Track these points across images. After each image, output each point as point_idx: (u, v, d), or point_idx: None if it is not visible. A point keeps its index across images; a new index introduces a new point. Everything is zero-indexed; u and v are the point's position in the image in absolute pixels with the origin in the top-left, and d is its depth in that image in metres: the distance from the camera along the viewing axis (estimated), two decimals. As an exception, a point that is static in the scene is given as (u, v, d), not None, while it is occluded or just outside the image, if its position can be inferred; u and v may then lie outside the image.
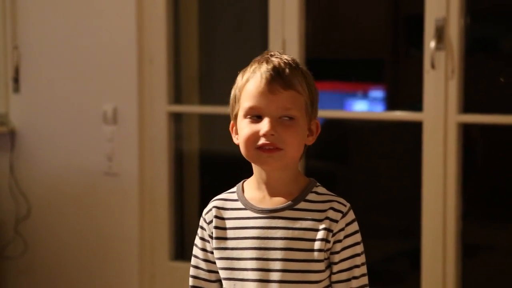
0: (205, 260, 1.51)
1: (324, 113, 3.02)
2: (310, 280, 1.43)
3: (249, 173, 1.54)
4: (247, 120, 1.45)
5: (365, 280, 1.47)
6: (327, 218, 1.43)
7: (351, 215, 1.45)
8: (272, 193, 1.47)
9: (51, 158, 3.40)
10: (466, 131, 2.70)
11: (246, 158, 1.47)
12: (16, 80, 3.46)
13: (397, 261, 3.21)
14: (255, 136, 1.43)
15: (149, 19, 3.18)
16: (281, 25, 2.92)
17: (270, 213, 1.45)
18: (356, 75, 3.43)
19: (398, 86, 3.27)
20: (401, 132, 3.13)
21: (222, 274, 1.48)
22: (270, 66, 1.45)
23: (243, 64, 1.53)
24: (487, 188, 3.07)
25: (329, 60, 3.41)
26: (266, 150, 1.43)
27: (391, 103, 3.23)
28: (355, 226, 1.45)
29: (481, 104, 2.81)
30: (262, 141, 1.42)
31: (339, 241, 1.43)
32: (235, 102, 1.49)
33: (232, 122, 1.51)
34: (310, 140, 1.50)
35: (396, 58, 3.30)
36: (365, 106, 3.36)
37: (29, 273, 3.50)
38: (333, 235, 1.43)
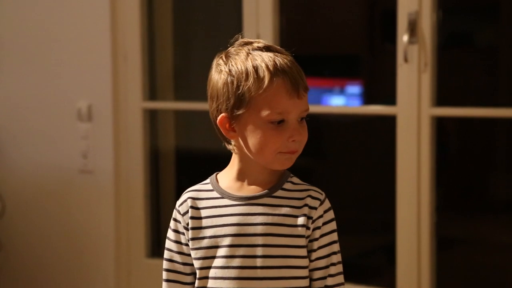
0: (180, 253, 1.50)
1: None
2: (292, 265, 1.44)
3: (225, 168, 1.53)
4: (269, 127, 1.42)
5: (341, 268, 1.49)
6: (306, 205, 1.45)
7: (327, 203, 1.48)
8: (251, 182, 1.48)
9: (26, 156, 3.37)
10: (440, 124, 2.72)
11: (256, 159, 1.45)
12: (-11, 77, 3.43)
13: (373, 255, 3.23)
14: (280, 142, 1.42)
15: (123, 15, 3.16)
16: (255, 20, 2.92)
17: (249, 200, 1.46)
18: (333, 70, 3.44)
19: (375, 81, 3.28)
20: (376, 127, 3.15)
21: (200, 264, 1.47)
22: (294, 71, 1.43)
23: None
24: (461, 181, 3.09)
25: (305, 55, 3.41)
26: (287, 152, 1.43)
27: (368, 98, 3.25)
28: (331, 214, 1.48)
29: (454, 97, 2.83)
30: (290, 147, 1.42)
31: (318, 227, 1.45)
32: (241, 101, 1.43)
33: (224, 115, 1.46)
34: None
35: (372, 53, 3.32)
36: (342, 102, 3.37)
37: (4, 272, 3.47)
38: (313, 222, 1.45)
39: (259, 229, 1.44)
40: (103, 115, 3.20)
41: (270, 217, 1.44)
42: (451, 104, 2.67)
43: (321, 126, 3.34)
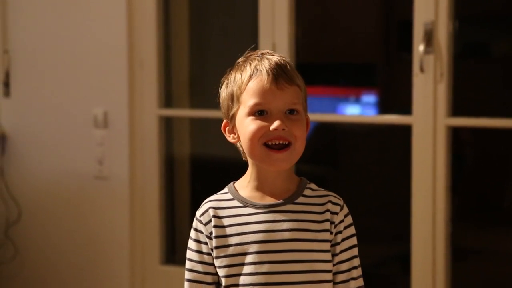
0: (201, 262, 1.51)
1: (314, 116, 3.03)
2: (318, 269, 1.47)
3: (239, 176, 1.54)
4: (251, 117, 1.47)
5: (361, 271, 1.53)
6: (327, 210, 1.49)
7: (346, 208, 1.52)
8: (270, 191, 1.50)
9: (42, 162, 3.39)
10: (456, 134, 2.71)
11: (250, 156, 1.49)
12: (6, 84, 3.46)
13: (388, 265, 3.21)
14: (262, 131, 1.46)
15: (139, 23, 3.18)
16: (271, 29, 2.92)
17: (272, 208, 1.48)
18: (348, 79, 3.44)
19: (390, 91, 3.28)
20: (391, 136, 3.14)
21: (226, 272, 1.48)
22: (273, 63, 1.48)
23: (234, 68, 1.54)
24: (476, 191, 3.08)
25: (321, 64, 3.41)
26: (275, 150, 1.46)
27: (383, 108, 3.24)
28: (350, 219, 1.52)
29: (470, 107, 2.82)
30: (272, 135, 1.45)
31: (340, 232, 1.49)
32: (233, 101, 1.51)
33: (225, 121, 1.53)
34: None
35: (388, 62, 3.31)
36: (357, 111, 3.36)
37: (19, 278, 3.49)
38: (335, 226, 1.49)
39: (286, 235, 1.47)
40: (119, 122, 3.21)
41: (295, 223, 1.47)
42: (467, 114, 2.66)
43: (337, 135, 3.34)
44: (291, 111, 1.47)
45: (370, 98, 3.37)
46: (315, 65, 3.37)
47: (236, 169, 1.60)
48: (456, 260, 2.70)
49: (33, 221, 3.43)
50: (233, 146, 1.57)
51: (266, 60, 1.49)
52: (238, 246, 1.47)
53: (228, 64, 1.57)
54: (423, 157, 2.64)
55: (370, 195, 3.21)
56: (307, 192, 1.51)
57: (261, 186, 1.50)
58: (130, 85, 3.19)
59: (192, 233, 1.53)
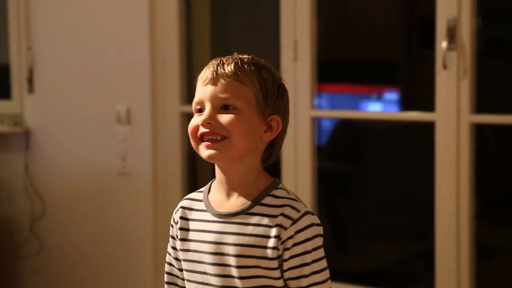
0: (176, 259, 1.52)
1: (335, 113, 3.02)
2: (266, 285, 1.40)
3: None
4: (195, 116, 1.46)
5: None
6: (277, 225, 1.39)
7: (304, 222, 1.39)
8: (231, 194, 1.44)
9: (65, 158, 3.42)
10: (480, 131, 2.69)
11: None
12: (30, 81, 3.49)
13: (411, 262, 3.20)
14: (196, 127, 1.43)
15: (161, 19, 3.19)
16: (292, 26, 2.92)
17: (225, 218, 1.43)
18: (370, 77, 3.43)
19: (413, 88, 3.26)
20: (414, 133, 3.13)
21: (185, 275, 1.48)
22: (216, 62, 1.46)
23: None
24: (501, 189, 3.05)
25: (343, 62, 3.41)
26: (206, 142, 1.41)
27: (406, 105, 3.23)
28: (307, 234, 1.39)
29: (493, 104, 2.80)
30: (201, 130, 1.42)
31: (287, 249, 1.38)
32: None
33: None
34: (268, 136, 1.45)
35: (410, 59, 3.30)
36: (380, 108, 3.35)
37: (43, 273, 3.52)
38: (282, 242, 1.38)
39: (231, 250, 1.40)
40: (142, 118, 3.23)
41: (241, 237, 1.40)
42: (490, 111, 2.64)
43: (359, 132, 3.33)
44: (225, 107, 1.41)
45: (392, 95, 3.36)
46: (337, 62, 3.37)
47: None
48: (480, 258, 2.68)
49: (57, 217, 3.46)
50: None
51: (215, 61, 1.46)
52: (196, 253, 1.45)
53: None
54: (446, 154, 2.63)
55: (393, 192, 3.20)
56: (267, 200, 1.41)
57: (224, 186, 1.45)
58: (153, 81, 3.21)
59: (170, 228, 1.53)
